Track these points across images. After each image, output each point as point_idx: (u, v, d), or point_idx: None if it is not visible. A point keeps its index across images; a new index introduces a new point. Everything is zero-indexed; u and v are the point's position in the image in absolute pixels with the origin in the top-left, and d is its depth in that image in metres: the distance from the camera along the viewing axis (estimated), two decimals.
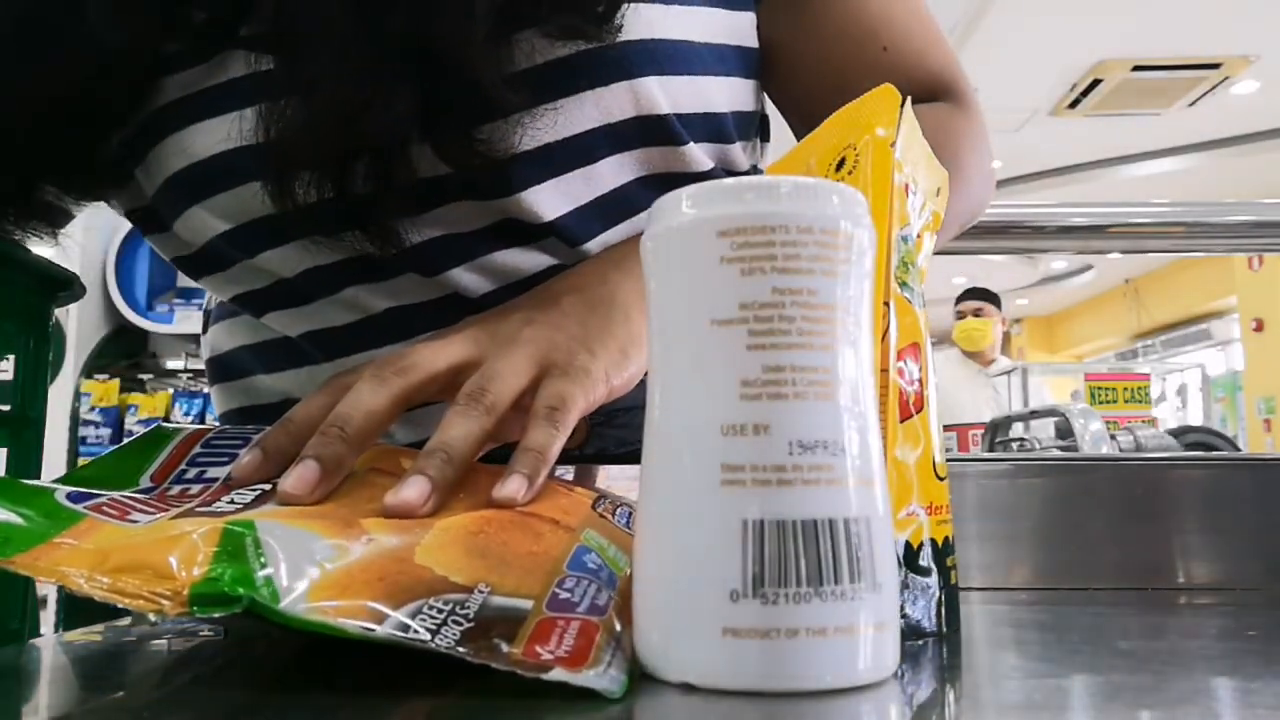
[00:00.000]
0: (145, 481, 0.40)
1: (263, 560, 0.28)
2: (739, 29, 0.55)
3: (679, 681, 0.27)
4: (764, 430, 0.27)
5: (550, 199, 0.50)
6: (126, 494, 0.36)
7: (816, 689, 0.26)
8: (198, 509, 0.34)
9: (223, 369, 0.62)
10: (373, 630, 0.26)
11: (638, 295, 0.47)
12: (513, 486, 0.37)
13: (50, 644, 0.41)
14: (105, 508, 0.33)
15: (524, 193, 0.49)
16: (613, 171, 0.51)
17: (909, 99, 0.39)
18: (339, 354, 0.54)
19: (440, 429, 0.39)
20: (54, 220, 0.54)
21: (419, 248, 0.50)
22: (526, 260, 0.52)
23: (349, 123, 0.43)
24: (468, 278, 0.51)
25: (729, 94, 0.54)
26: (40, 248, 0.52)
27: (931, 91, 0.61)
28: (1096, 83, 4.50)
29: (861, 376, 0.28)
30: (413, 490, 0.35)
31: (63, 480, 0.38)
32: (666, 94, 0.50)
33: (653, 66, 0.50)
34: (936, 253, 0.44)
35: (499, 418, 0.40)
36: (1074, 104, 4.73)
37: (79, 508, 0.33)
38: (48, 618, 0.53)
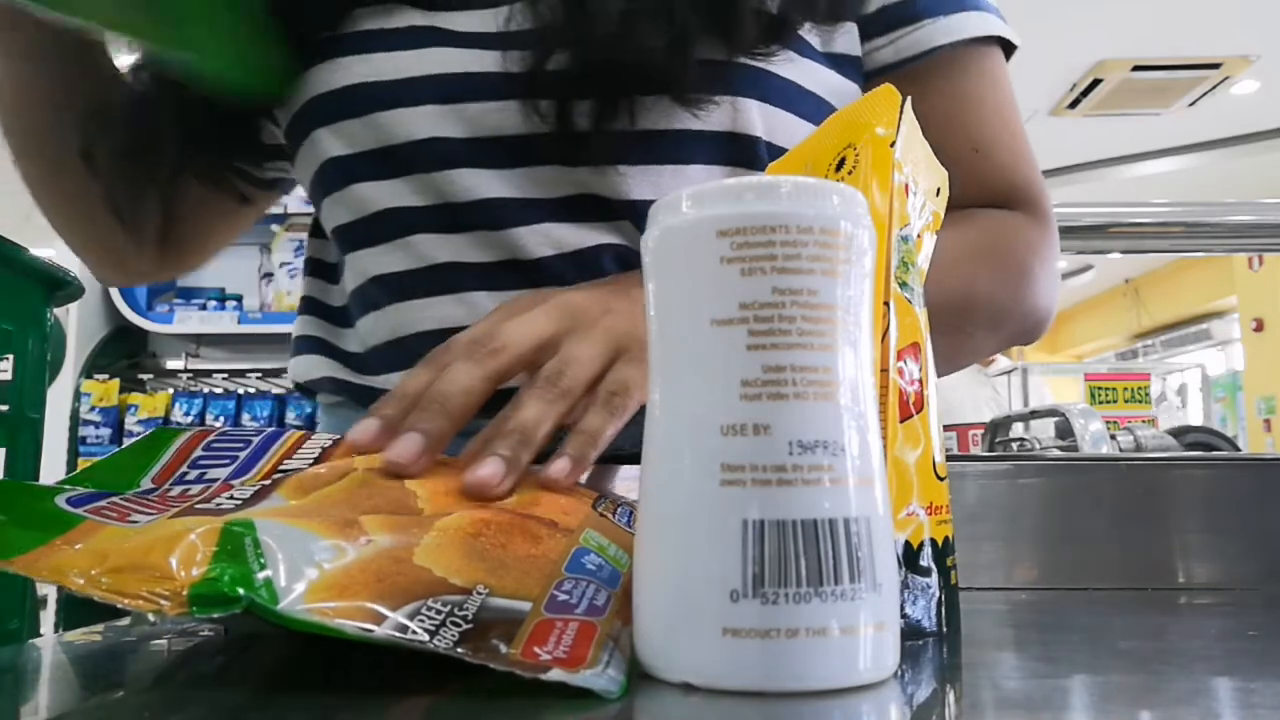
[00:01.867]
0: (146, 483, 0.40)
1: (262, 561, 0.28)
2: (843, 94, 0.58)
3: (679, 681, 0.27)
4: (764, 430, 0.27)
5: (639, 183, 0.54)
6: (127, 496, 0.36)
7: (816, 689, 0.26)
8: (197, 506, 0.34)
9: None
10: (371, 631, 0.26)
11: None
12: (558, 466, 0.38)
13: (50, 644, 0.41)
14: (104, 510, 0.33)
15: (624, 167, 0.53)
16: (700, 179, 0.54)
17: (909, 99, 0.39)
18: (398, 299, 0.57)
19: (517, 408, 0.40)
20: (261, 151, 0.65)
21: (496, 204, 0.54)
22: (591, 236, 0.55)
23: (621, 68, 0.50)
24: (531, 240, 0.54)
25: None
26: (40, 249, 0.52)
27: (1012, 201, 0.63)
28: (1096, 83, 4.50)
29: (861, 376, 0.28)
30: (488, 469, 0.36)
31: (64, 482, 0.38)
32: (763, 119, 0.54)
33: (755, 91, 0.54)
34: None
35: (572, 403, 0.41)
36: (1074, 104, 4.73)
37: (79, 511, 0.33)
38: (48, 618, 0.53)
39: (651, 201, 0.52)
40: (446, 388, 0.40)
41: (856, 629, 0.26)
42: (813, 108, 0.56)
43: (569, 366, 0.41)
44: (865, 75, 0.60)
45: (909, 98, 0.39)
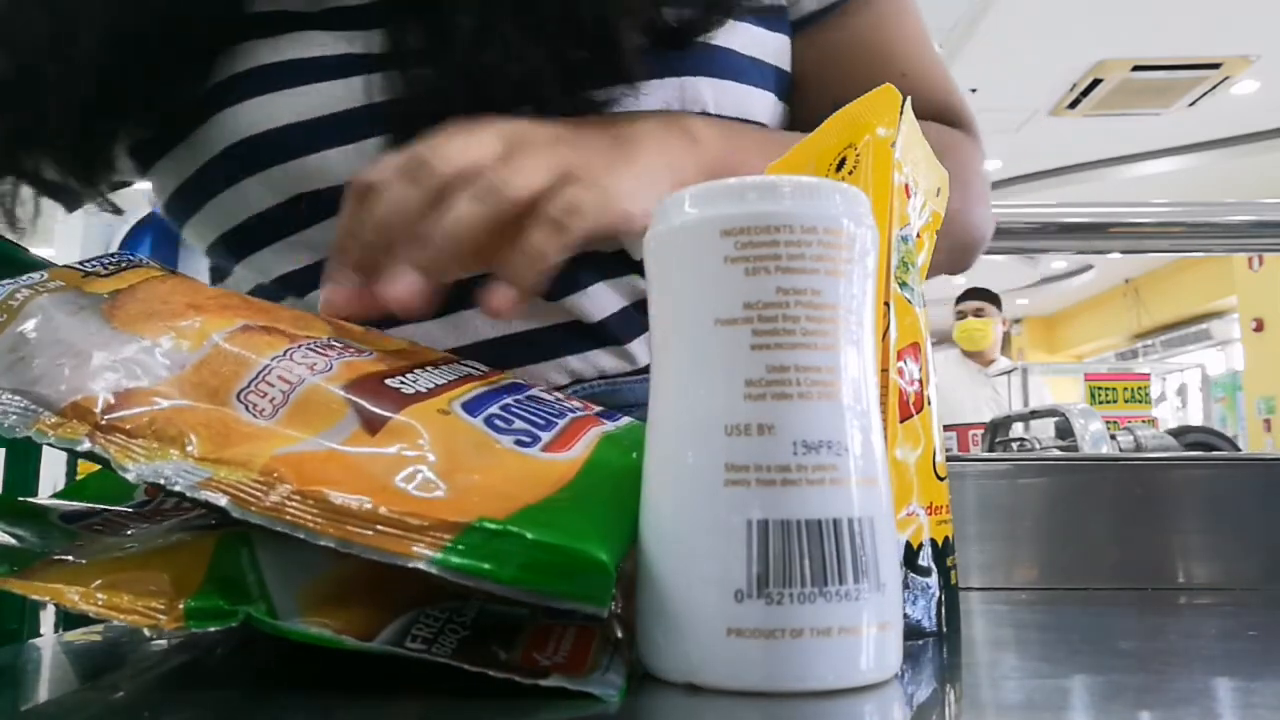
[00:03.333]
0: (140, 495, 0.40)
1: (258, 573, 0.28)
2: (777, 50, 0.57)
3: (682, 682, 0.27)
4: (768, 430, 0.27)
5: None
6: (121, 509, 0.36)
7: (820, 689, 0.26)
8: (194, 522, 0.34)
9: None
10: (369, 642, 0.26)
11: (658, 139, 0.47)
12: (499, 299, 0.36)
13: (50, 644, 0.41)
14: (98, 526, 0.33)
15: None
16: None
17: (909, 99, 0.39)
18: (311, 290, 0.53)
19: (442, 209, 0.38)
20: (95, 178, 0.55)
21: None
22: None
23: (489, 84, 0.45)
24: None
25: (767, 110, 0.56)
26: (40, 249, 0.52)
27: (943, 118, 0.63)
28: (1096, 83, 4.50)
29: (865, 376, 0.28)
30: (403, 286, 0.35)
31: (59, 495, 0.38)
32: (713, 94, 0.52)
33: (702, 68, 0.52)
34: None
35: (507, 208, 0.38)
36: (1074, 104, 4.73)
37: (73, 527, 0.33)
38: (48, 618, 0.54)
39: None
40: (387, 219, 0.38)
41: (860, 629, 0.26)
42: (756, 73, 0.55)
43: (512, 175, 0.38)
44: (792, 25, 0.59)
45: (909, 97, 0.39)
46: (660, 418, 0.29)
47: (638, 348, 0.54)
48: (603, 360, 0.53)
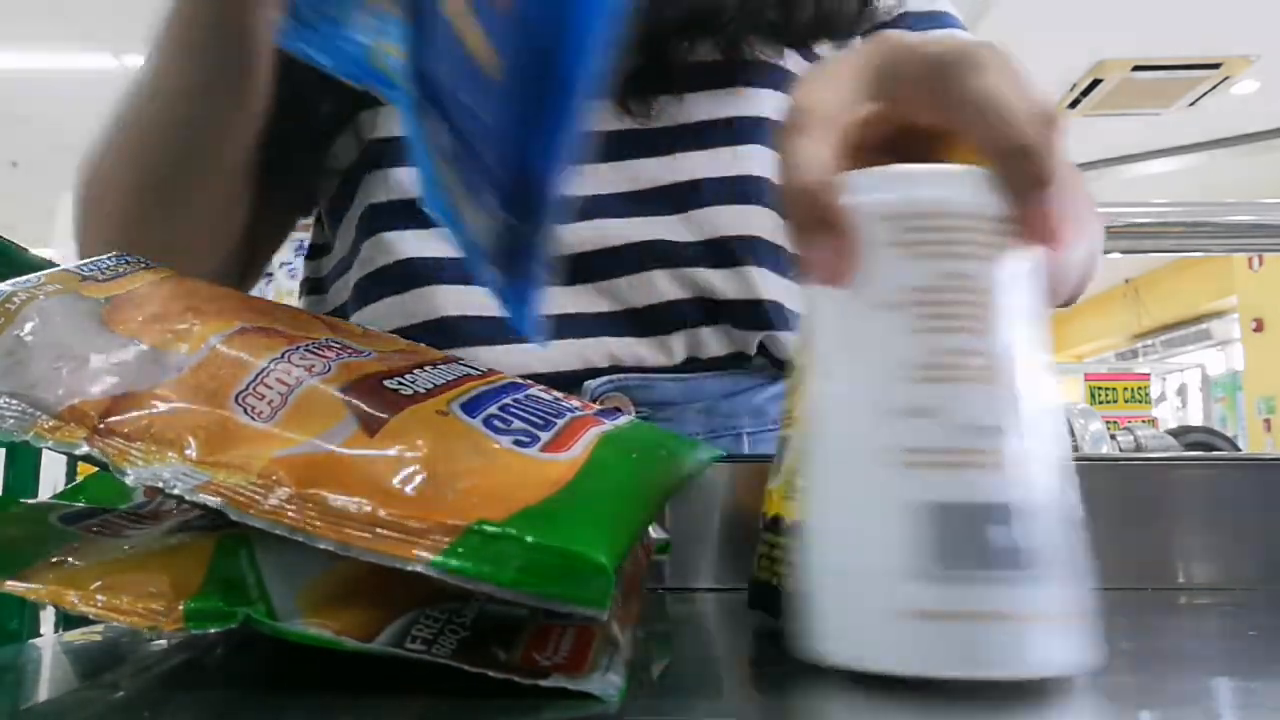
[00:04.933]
0: (139, 496, 0.40)
1: (258, 574, 0.28)
2: None
3: (850, 667, 0.27)
4: (937, 414, 0.27)
5: (696, 167, 0.56)
6: (120, 511, 0.36)
7: (985, 678, 0.26)
8: (193, 523, 0.34)
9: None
10: (368, 643, 0.26)
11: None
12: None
13: (50, 644, 0.41)
14: (97, 528, 0.33)
15: (680, 154, 0.57)
16: (758, 162, 0.57)
17: None
18: (428, 283, 0.57)
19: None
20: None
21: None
22: (644, 230, 0.56)
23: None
24: (581, 235, 0.55)
25: None
26: (40, 249, 0.52)
27: None
28: (1096, 83, 4.50)
29: (1028, 360, 0.28)
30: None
31: (58, 497, 0.38)
32: None
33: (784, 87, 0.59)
34: None
35: None
36: (1074, 104, 4.73)
37: (73, 529, 0.33)
38: (48, 618, 0.54)
39: (712, 180, 0.56)
40: None
41: (1031, 617, 0.26)
42: None
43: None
44: None
45: None
46: (824, 402, 0.29)
47: (676, 342, 0.55)
48: (641, 350, 0.55)
